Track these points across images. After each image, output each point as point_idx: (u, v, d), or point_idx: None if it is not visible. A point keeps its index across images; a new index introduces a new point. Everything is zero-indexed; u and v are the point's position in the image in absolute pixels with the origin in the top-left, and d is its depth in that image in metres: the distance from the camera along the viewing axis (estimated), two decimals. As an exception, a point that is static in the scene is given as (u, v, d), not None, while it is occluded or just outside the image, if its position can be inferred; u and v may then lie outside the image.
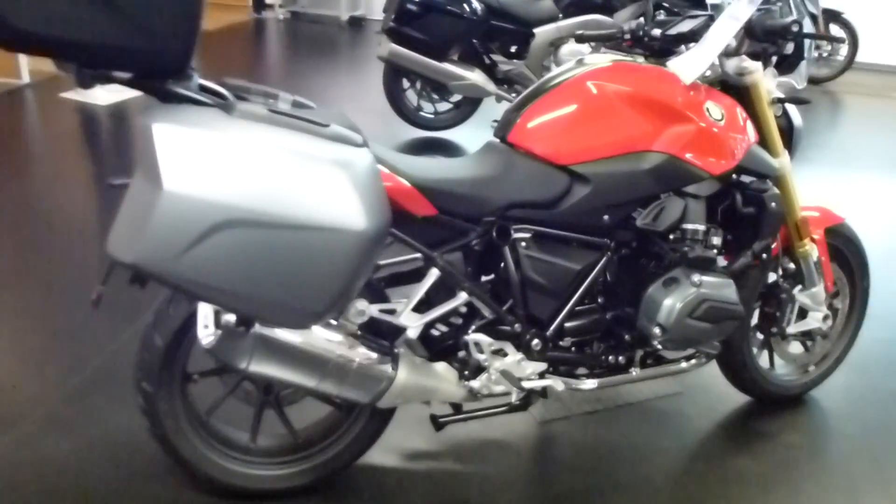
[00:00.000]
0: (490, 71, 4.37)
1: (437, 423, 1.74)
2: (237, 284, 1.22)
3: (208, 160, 1.17)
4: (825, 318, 2.11)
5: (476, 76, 4.27)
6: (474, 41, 4.30)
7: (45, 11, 1.11)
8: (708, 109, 1.71)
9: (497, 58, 4.38)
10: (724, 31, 1.68)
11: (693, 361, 1.93)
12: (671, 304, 1.68)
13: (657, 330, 1.69)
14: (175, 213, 1.15)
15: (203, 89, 1.29)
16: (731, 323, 1.76)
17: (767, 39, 1.75)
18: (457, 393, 1.68)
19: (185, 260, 1.17)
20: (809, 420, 2.24)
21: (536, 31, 4.33)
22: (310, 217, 1.22)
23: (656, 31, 1.87)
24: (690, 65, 1.71)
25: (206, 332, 1.40)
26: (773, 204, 1.80)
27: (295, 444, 1.73)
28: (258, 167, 1.20)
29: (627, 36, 1.96)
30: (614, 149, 1.66)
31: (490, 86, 4.33)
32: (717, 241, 1.76)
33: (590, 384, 1.79)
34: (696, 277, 1.69)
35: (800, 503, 1.86)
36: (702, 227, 1.72)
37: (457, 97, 4.59)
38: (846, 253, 2.19)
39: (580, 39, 2.10)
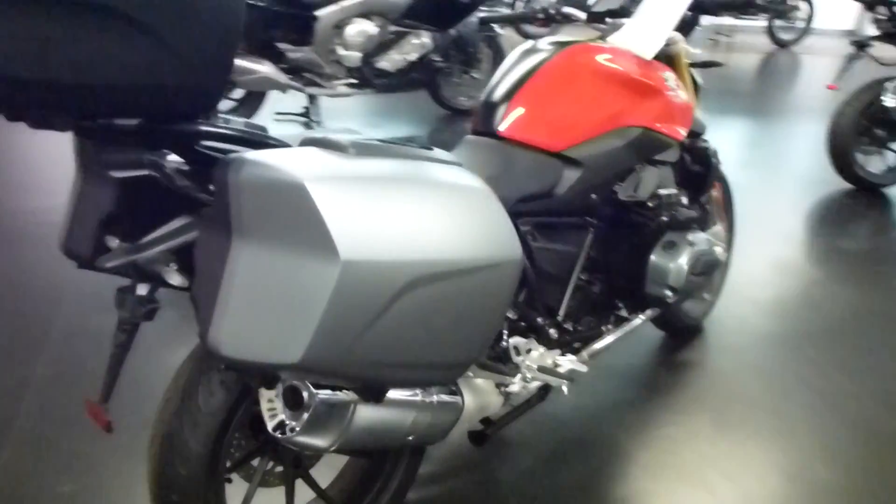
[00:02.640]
0: (278, 61, 4.08)
1: (480, 438, 1.63)
2: (407, 354, 0.99)
3: (376, 214, 0.93)
4: (723, 251, 2.36)
5: (266, 68, 3.95)
6: (258, 31, 3.97)
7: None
8: (666, 80, 1.77)
9: (284, 46, 4.09)
10: (677, 5, 1.74)
11: (649, 312, 2.02)
12: (678, 266, 1.74)
13: (668, 292, 1.75)
14: (355, 287, 0.90)
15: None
16: (715, 271, 1.89)
17: (719, 12, 1.85)
18: (497, 402, 1.59)
19: (365, 342, 0.93)
20: (713, 342, 2.51)
21: (318, 14, 4.11)
22: (477, 256, 1.03)
23: (573, 10, 1.88)
24: (648, 40, 1.75)
25: (279, 420, 1.14)
26: (714, 158, 1.94)
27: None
28: (423, 210, 0.98)
29: (540, 16, 1.95)
30: (598, 128, 1.65)
31: (281, 77, 4.04)
32: (685, 200, 1.86)
33: (577, 358, 1.79)
34: (689, 237, 1.78)
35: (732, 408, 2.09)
36: (675, 191, 1.80)
37: (239, 93, 4.22)
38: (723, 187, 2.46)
39: (484, 22, 2.05)
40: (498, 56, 4.96)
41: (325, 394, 1.12)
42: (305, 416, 1.12)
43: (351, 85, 4.38)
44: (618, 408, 2.09)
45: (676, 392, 2.18)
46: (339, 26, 4.18)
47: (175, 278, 1.09)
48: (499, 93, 1.65)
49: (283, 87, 4.07)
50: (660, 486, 1.78)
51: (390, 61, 4.39)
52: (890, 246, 3.53)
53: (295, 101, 4.64)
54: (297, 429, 1.12)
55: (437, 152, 1.17)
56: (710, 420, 2.04)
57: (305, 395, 1.11)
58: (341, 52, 4.25)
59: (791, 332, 2.58)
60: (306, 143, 1.04)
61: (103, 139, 1.13)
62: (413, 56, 4.45)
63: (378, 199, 0.94)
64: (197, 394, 1.20)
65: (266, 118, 4.46)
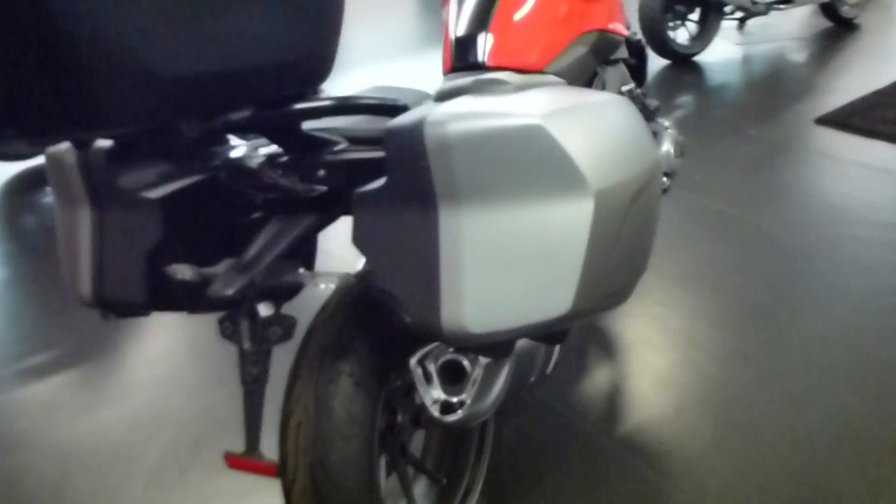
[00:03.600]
0: None
1: None
2: (624, 278, 0.92)
3: (595, 139, 0.85)
4: None
5: None
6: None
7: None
8: None
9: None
10: None
11: None
12: (667, 152, 1.83)
13: (666, 179, 1.83)
14: (604, 216, 0.82)
15: None
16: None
17: None
18: None
19: (608, 273, 0.86)
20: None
21: None
22: (652, 163, 0.96)
23: None
24: None
25: (442, 401, 1.07)
26: (646, 50, 2.03)
27: (443, 487, 1.45)
28: (619, 126, 0.91)
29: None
30: (566, 40, 1.66)
31: None
32: (639, 91, 1.93)
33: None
34: (662, 124, 1.86)
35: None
36: (633, 84, 1.87)
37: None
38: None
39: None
40: None
41: (485, 358, 1.06)
42: (473, 385, 1.06)
43: None
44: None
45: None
46: None
47: (311, 279, 0.96)
48: (471, 26, 1.60)
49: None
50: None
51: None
52: (709, 110, 3.93)
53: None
54: (468, 401, 1.06)
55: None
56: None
57: (467, 364, 1.06)
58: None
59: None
60: (442, 96, 0.94)
61: (119, 159, 0.97)
62: None
63: (588, 124, 0.87)
64: (333, 406, 1.09)
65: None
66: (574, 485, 1.60)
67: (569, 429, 1.76)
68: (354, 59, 4.99)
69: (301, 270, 0.98)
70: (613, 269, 0.88)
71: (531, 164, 0.80)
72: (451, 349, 1.06)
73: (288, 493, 1.11)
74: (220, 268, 0.98)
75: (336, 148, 1.00)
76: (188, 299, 1.05)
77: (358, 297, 1.12)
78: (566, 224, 0.81)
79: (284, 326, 0.96)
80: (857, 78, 4.03)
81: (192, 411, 1.91)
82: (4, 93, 0.65)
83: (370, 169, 1.00)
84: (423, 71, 4.66)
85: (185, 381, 2.05)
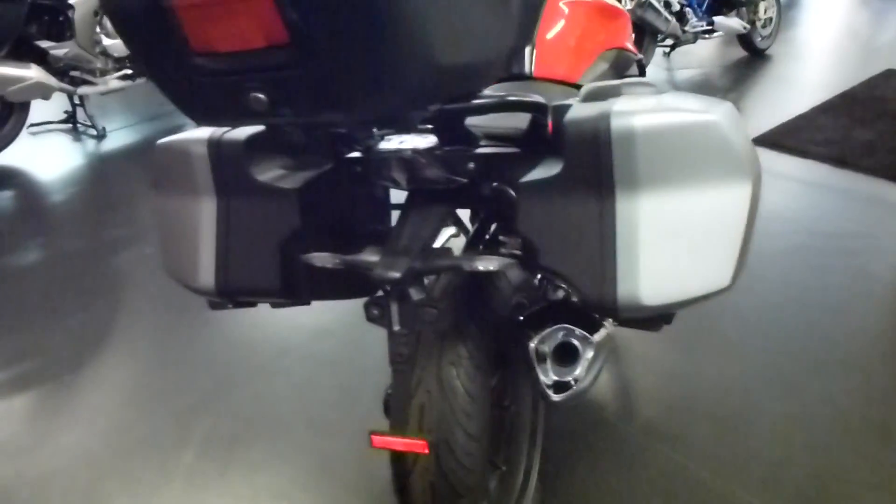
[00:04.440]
0: (41, 62, 3.46)
1: None
2: None
3: (745, 136, 0.95)
4: None
5: (34, 73, 3.35)
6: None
7: None
8: (620, 1, 1.96)
9: (45, 44, 3.47)
10: None
11: None
12: None
13: None
14: (753, 202, 0.94)
15: None
16: None
17: None
18: None
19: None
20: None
21: (73, 1, 3.54)
22: None
23: None
24: None
25: (555, 382, 1.17)
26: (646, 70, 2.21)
27: (503, 473, 1.53)
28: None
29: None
30: (593, 55, 1.80)
31: (52, 80, 3.46)
32: None
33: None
34: None
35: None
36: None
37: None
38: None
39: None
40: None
41: (597, 335, 1.16)
42: (587, 361, 1.16)
43: (125, 77, 3.89)
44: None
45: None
46: (98, 12, 3.66)
47: (469, 262, 1.02)
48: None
49: (55, 91, 3.49)
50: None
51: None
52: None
53: (51, 107, 3.99)
54: (584, 377, 1.16)
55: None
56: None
57: (578, 343, 1.15)
58: (106, 41, 3.74)
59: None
60: (591, 96, 1.03)
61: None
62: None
63: (739, 122, 0.97)
64: (455, 386, 1.16)
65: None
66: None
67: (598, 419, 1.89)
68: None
69: (456, 254, 1.05)
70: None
71: (704, 154, 0.91)
72: (563, 332, 1.16)
73: (406, 474, 1.17)
74: (367, 255, 1.04)
75: (482, 143, 1.09)
76: (329, 286, 1.10)
77: (465, 283, 1.20)
78: (730, 207, 0.93)
79: (439, 308, 1.03)
80: (778, 102, 4.42)
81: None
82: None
83: (502, 163, 1.09)
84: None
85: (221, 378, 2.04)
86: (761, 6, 5.35)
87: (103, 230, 3.01)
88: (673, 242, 0.92)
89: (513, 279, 1.13)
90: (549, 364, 1.17)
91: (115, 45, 3.73)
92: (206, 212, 1.08)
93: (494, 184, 1.09)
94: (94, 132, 4.02)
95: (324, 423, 1.90)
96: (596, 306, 0.95)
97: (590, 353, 1.16)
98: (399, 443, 1.05)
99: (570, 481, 1.71)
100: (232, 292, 1.10)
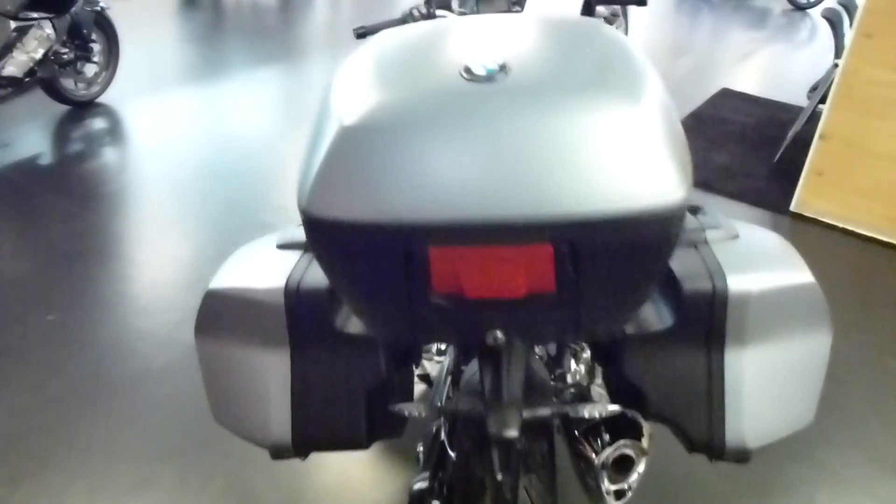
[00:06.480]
0: None
1: None
2: None
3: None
4: None
5: None
6: None
7: None
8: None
9: None
10: None
11: None
12: None
13: None
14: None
15: None
16: None
17: None
18: None
19: None
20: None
21: None
22: None
23: (444, 11, 1.98)
24: None
25: (613, 489, 1.23)
26: None
27: None
28: None
29: (418, 18, 1.99)
30: None
31: None
32: None
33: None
34: None
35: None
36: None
37: None
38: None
39: (361, 35, 1.98)
40: (112, 37, 4.33)
41: (645, 442, 1.24)
42: (640, 469, 1.23)
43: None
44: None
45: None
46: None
47: (589, 409, 1.05)
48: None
49: None
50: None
51: (16, 65, 3.53)
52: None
53: None
54: (633, 484, 1.23)
55: None
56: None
57: (632, 453, 1.22)
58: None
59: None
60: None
61: None
62: (39, 53, 3.64)
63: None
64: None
65: None
66: None
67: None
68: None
69: (593, 402, 1.07)
70: None
71: (805, 311, 1.02)
72: (624, 445, 1.22)
73: None
74: (461, 403, 1.04)
75: None
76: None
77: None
78: (818, 352, 1.04)
79: (540, 452, 1.04)
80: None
81: None
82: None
83: None
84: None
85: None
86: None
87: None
88: (773, 389, 1.02)
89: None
90: (606, 473, 1.24)
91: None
92: (277, 363, 1.02)
93: None
94: None
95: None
96: (703, 449, 1.02)
97: (643, 463, 1.24)
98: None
99: None
100: (310, 446, 1.05)
